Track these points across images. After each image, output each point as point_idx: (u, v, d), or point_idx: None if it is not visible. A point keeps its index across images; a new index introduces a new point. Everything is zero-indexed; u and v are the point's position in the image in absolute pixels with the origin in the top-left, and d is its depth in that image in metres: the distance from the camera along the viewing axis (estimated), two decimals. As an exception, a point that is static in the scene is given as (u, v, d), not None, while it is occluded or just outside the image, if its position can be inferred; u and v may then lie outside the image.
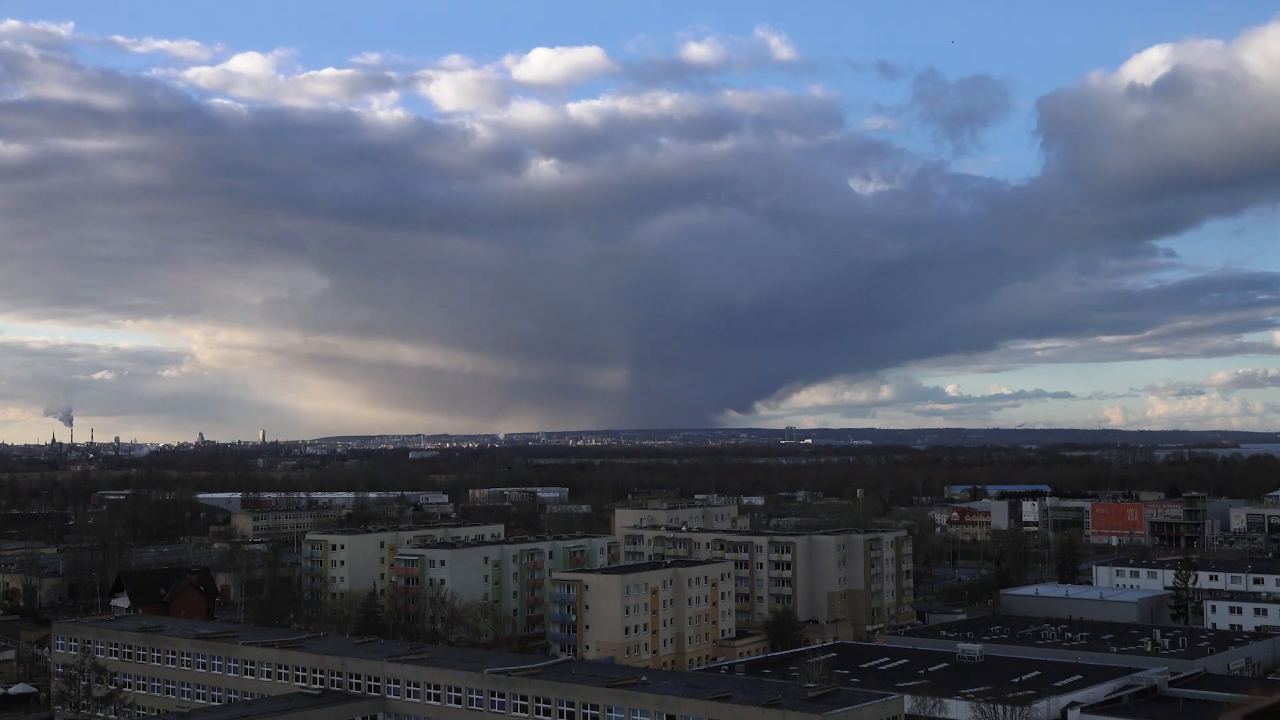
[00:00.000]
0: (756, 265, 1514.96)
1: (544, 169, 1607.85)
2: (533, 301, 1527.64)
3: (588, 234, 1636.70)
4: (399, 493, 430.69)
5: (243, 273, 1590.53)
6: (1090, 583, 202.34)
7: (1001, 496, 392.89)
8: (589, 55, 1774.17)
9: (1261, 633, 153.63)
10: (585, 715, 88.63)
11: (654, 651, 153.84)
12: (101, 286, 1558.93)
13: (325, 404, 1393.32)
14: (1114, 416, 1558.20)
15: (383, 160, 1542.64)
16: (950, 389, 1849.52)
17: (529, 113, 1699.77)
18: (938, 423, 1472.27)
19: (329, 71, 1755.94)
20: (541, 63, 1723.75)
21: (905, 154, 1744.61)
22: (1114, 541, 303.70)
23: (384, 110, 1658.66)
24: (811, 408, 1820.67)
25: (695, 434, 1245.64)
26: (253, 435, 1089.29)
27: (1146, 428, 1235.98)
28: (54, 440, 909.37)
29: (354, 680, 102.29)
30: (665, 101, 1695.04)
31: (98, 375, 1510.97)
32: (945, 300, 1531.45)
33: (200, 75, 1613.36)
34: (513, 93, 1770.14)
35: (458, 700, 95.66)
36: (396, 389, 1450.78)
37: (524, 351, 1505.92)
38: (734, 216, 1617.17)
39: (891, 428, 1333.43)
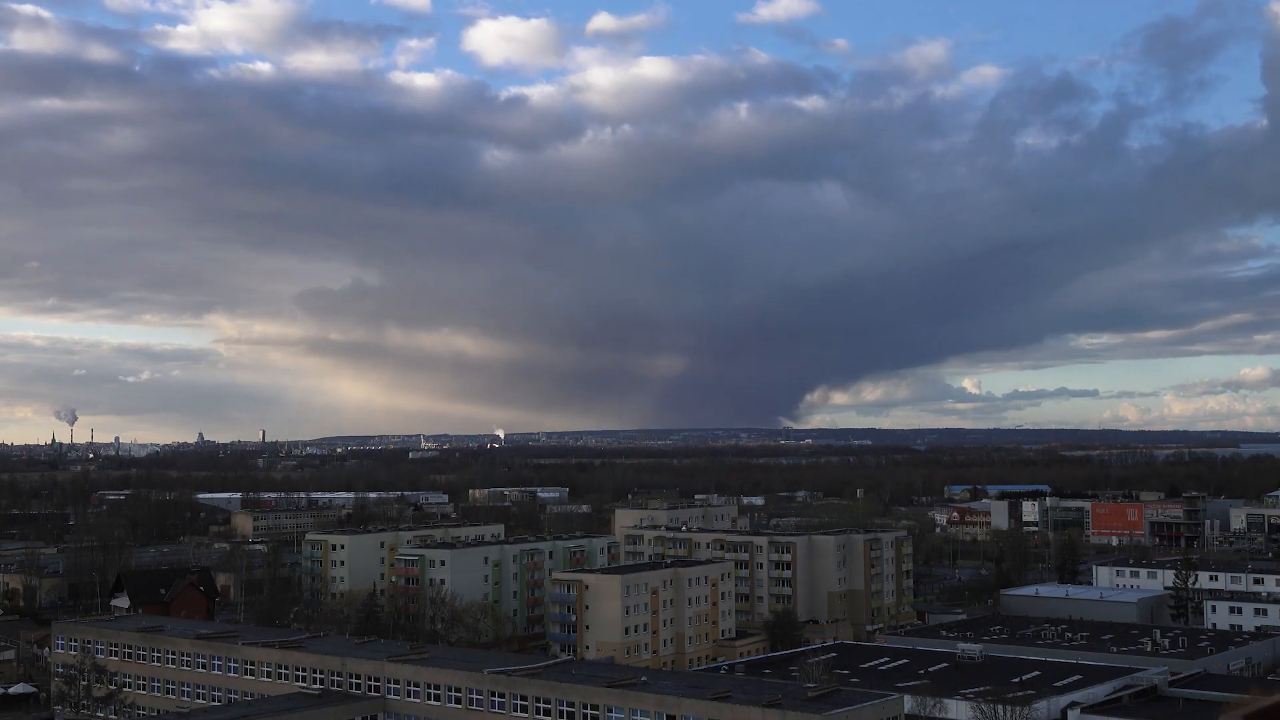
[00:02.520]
0: (831, 249, 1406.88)
1: (599, 138, 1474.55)
2: (583, 289, 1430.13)
3: (650, 213, 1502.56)
4: (399, 493, 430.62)
5: (259, 260, 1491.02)
6: (1090, 583, 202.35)
7: (1001, 496, 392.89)
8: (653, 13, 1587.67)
9: (1261, 633, 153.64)
10: (585, 715, 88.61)
11: (654, 651, 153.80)
12: (101, 276, 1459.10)
13: (342, 401, 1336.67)
14: (1130, 415, 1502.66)
15: (420, 128, 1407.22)
16: (968, 386, 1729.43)
17: (586, 73, 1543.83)
18: (951, 422, 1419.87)
19: (356, 20, 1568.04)
20: (601, 20, 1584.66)
21: (1065, 109, 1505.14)
22: (1114, 541, 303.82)
23: (420, 70, 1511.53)
24: (829, 407, 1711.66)
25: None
26: (255, 435, 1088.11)
27: (1163, 427, 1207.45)
28: (54, 440, 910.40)
29: (354, 680, 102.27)
30: (745, 59, 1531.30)
31: (100, 373, 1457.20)
32: (1017, 290, 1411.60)
33: (207, 20, 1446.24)
34: (568, 43, 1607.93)
35: (458, 700, 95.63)
36: (435, 381, 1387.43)
37: (565, 345, 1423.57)
38: (824, 192, 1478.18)
39: (897, 427, 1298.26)
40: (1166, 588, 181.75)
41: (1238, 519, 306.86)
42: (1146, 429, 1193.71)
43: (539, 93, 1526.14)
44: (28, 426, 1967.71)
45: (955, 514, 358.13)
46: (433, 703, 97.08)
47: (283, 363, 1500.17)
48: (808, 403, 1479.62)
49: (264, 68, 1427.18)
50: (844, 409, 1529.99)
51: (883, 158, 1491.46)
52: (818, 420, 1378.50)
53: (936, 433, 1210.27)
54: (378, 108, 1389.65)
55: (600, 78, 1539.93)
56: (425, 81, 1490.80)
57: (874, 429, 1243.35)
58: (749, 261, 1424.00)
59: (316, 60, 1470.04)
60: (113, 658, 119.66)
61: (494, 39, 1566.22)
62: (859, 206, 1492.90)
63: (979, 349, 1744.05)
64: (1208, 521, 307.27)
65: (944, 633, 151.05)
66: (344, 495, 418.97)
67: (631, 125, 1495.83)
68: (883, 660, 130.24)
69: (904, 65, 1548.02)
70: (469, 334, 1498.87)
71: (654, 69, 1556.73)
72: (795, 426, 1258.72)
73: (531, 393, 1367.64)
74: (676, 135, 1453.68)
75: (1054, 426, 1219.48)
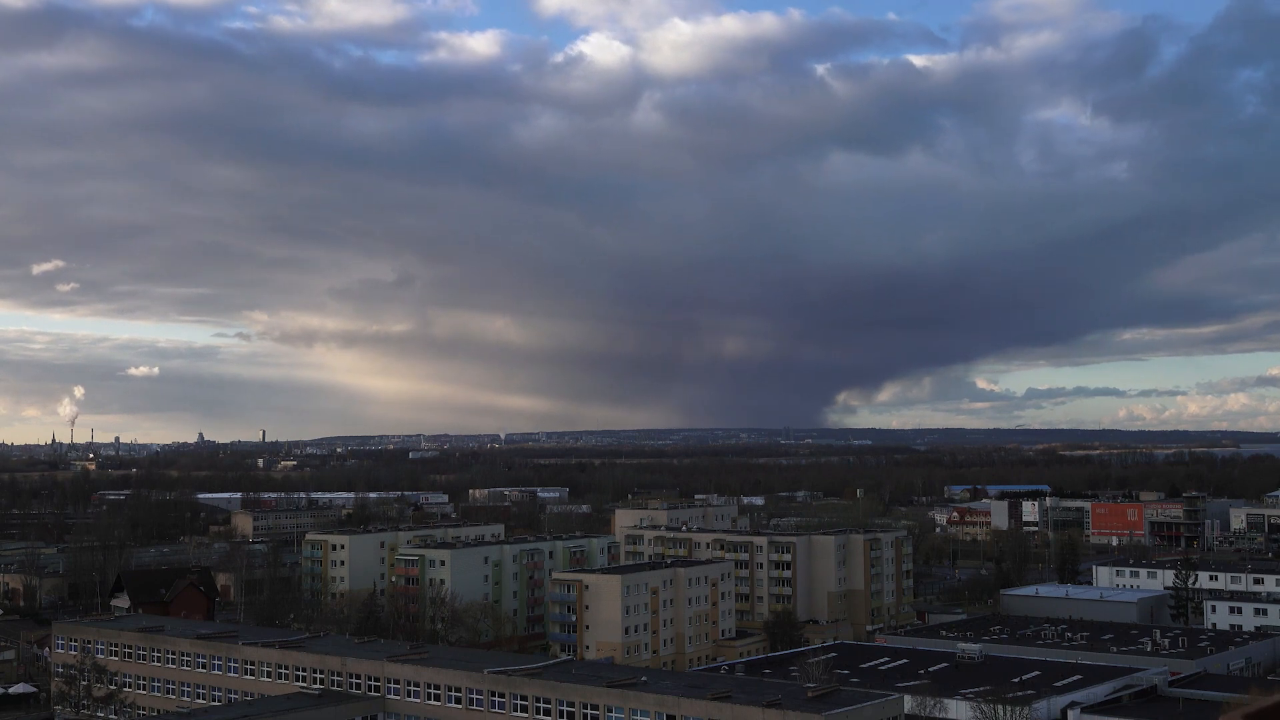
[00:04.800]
0: (915, 230, 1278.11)
1: (659, 105, 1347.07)
2: (635, 271, 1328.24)
3: (710, 188, 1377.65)
4: (399, 493, 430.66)
5: (272, 249, 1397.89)
6: (1090, 583, 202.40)
7: (1001, 496, 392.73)
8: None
9: (1261, 633, 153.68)
10: (585, 715, 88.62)
11: (654, 651, 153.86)
12: (102, 267, 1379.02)
13: (350, 399, 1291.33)
14: (1146, 414, 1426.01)
15: (460, 92, 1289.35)
16: (981, 384, 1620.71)
17: (650, 31, 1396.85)
18: (962, 421, 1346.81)
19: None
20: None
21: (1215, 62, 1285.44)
22: (1114, 541, 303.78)
23: (465, 22, 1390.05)
24: (854, 408, 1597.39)
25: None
26: (255, 434, 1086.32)
27: (1178, 426, 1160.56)
28: (54, 440, 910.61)
29: (354, 680, 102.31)
30: (834, 10, 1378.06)
31: (101, 371, 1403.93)
32: (1096, 279, 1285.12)
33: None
34: None
35: (458, 700, 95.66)
36: (464, 374, 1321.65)
37: (614, 334, 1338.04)
38: (923, 166, 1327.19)
39: (904, 427, 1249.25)
40: (1166, 588, 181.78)
41: (1238, 519, 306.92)
42: (1157, 429, 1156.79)
43: (594, 47, 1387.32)
44: (29, 426, 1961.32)
45: (955, 514, 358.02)
46: (433, 703, 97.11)
47: (287, 359, 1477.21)
48: (838, 404, 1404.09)
49: (289, 18, 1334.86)
50: (859, 409, 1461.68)
51: (990, 124, 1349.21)
52: (858, 420, 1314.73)
53: (938, 433, 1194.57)
54: (412, 69, 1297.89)
55: (666, 35, 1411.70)
56: (473, 41, 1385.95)
57: (875, 429, 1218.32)
58: (819, 245, 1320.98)
59: (346, 9, 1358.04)
60: (113, 658, 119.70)
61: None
62: (955, 182, 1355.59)
63: (1022, 345, 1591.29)
64: (1208, 521, 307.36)
65: (944, 633, 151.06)
66: (344, 495, 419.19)
67: (697, 87, 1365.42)
68: (883, 660, 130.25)
69: (1025, 10, 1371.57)
70: (514, 323, 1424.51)
71: (726, 25, 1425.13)
72: (828, 426, 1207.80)
73: (573, 385, 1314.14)
74: (751, 100, 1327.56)
75: (1063, 426, 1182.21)
